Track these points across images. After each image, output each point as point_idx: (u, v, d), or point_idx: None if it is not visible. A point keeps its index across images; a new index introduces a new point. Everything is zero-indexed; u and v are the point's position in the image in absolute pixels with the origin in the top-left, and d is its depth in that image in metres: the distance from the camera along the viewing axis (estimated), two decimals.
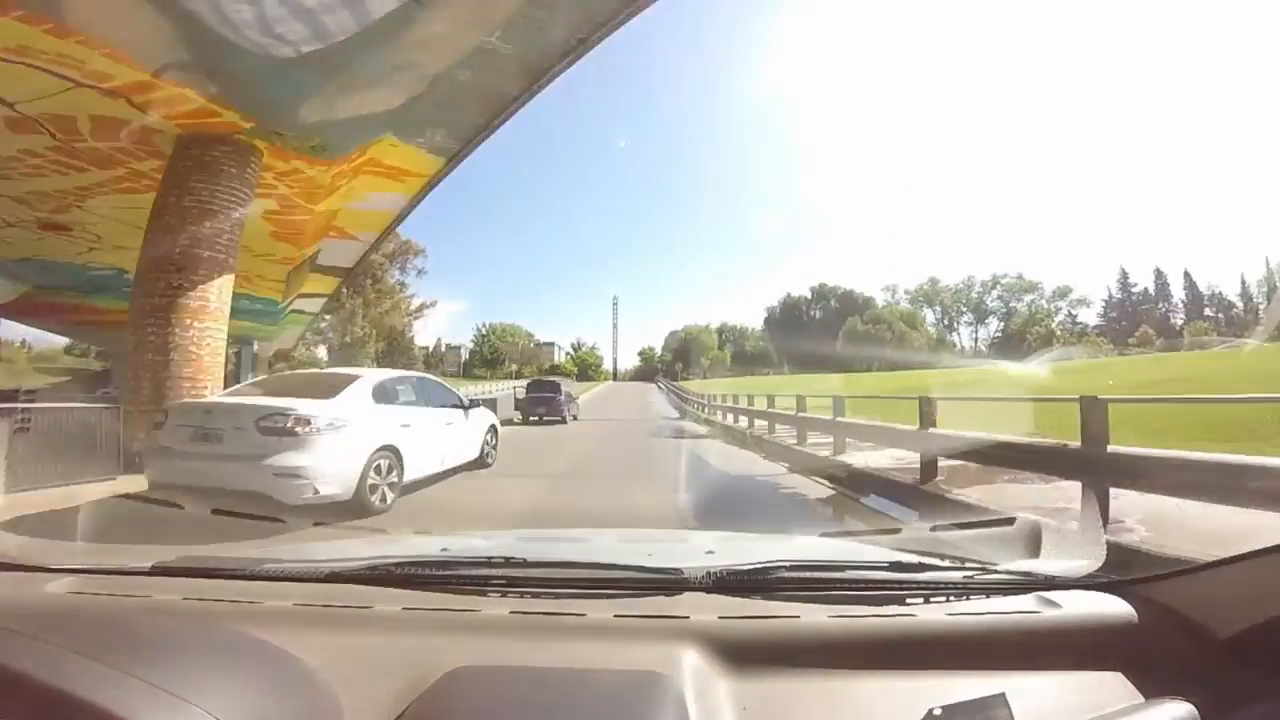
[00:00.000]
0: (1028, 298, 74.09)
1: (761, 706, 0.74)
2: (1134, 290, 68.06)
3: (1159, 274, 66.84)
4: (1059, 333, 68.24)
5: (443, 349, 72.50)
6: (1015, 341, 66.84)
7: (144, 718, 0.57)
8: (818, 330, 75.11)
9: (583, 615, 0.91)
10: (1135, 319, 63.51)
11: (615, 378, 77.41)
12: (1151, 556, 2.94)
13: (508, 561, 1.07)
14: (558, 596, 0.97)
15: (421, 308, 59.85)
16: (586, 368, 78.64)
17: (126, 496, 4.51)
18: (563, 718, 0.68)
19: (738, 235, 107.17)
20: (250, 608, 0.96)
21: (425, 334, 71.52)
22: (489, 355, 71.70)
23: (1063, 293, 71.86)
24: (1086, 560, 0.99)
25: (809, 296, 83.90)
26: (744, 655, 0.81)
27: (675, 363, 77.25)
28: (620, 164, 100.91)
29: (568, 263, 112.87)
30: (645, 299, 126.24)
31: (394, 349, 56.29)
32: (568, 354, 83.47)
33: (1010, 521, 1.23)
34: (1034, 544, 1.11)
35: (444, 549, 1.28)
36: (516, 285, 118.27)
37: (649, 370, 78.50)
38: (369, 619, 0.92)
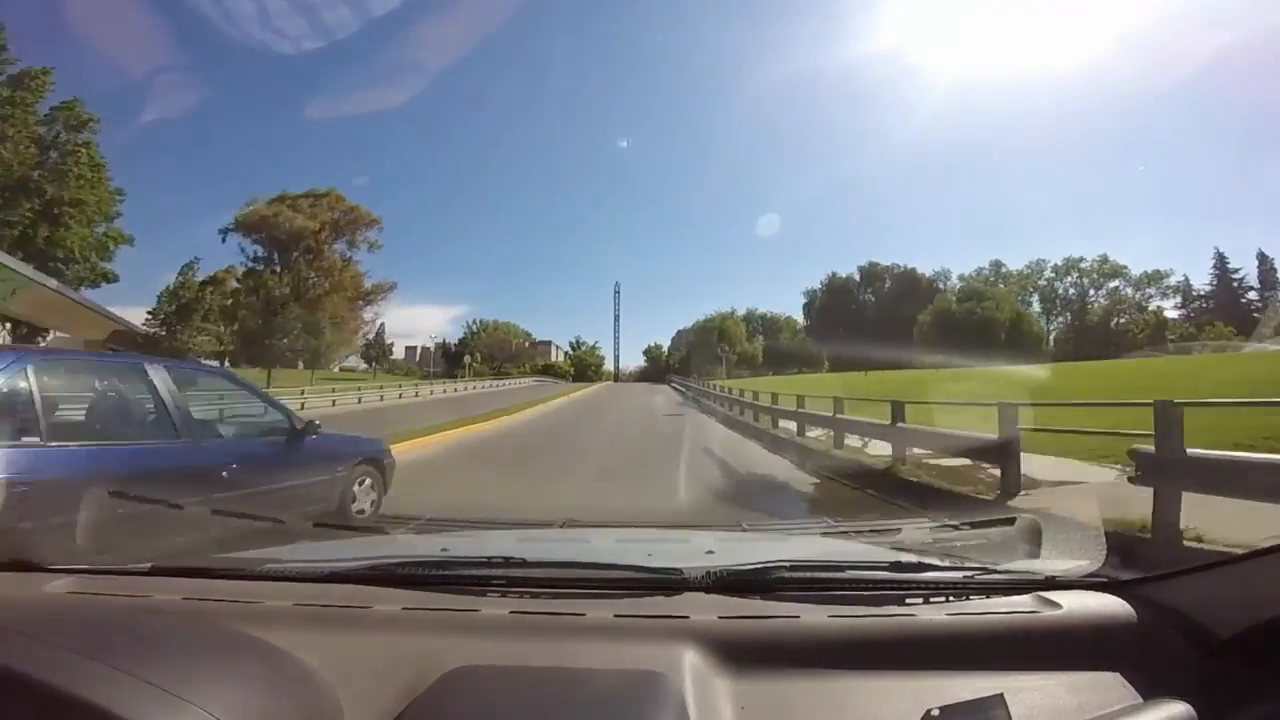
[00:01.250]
0: (1110, 284, 71.11)
1: (761, 706, 0.85)
2: (1235, 276, 66.32)
3: (1263, 258, 64.54)
4: (1171, 323, 64.52)
5: (386, 337, 68.42)
6: (1103, 334, 64.65)
7: (144, 718, 0.64)
8: (872, 316, 72.37)
9: (582, 615, 1.03)
10: (1239, 309, 62.08)
11: (616, 378, 76.28)
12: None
13: (507, 561, 1.20)
14: (557, 596, 1.10)
15: (376, 290, 54.00)
16: (585, 367, 78.12)
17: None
18: (563, 718, 0.80)
19: (749, 225, 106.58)
20: (250, 608, 1.08)
21: (410, 333, 69.61)
22: (454, 351, 70.26)
23: (1154, 277, 68.43)
24: (1086, 560, 1.11)
25: (858, 278, 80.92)
26: (744, 655, 0.92)
27: (694, 355, 75.07)
28: (624, 157, 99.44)
29: (572, 263, 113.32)
30: (652, 298, 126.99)
31: (270, 329, 45.59)
32: (566, 353, 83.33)
33: (1010, 521, 1.37)
34: (1034, 544, 1.24)
35: (444, 549, 1.42)
36: (521, 287, 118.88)
37: (656, 370, 77.30)
38: (369, 619, 1.04)
